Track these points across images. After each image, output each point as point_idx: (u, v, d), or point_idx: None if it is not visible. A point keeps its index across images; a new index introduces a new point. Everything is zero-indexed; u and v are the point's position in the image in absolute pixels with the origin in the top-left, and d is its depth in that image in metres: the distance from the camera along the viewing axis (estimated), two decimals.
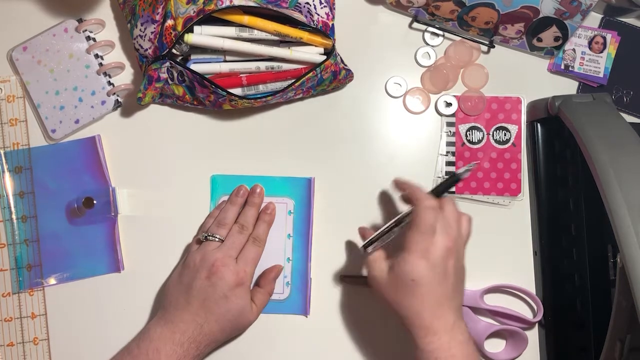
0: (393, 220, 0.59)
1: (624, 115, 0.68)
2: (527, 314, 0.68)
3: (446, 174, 0.69)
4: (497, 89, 0.70)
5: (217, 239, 0.62)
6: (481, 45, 0.70)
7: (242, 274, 0.61)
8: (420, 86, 0.70)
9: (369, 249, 0.60)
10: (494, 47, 0.70)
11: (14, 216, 0.68)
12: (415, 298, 0.54)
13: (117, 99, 0.68)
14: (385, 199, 0.69)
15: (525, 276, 0.68)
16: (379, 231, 0.59)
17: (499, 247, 0.68)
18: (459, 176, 0.59)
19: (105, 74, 0.68)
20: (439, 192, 0.59)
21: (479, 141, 0.69)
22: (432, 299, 0.54)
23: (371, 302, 0.67)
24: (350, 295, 0.68)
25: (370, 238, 0.60)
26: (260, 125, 0.69)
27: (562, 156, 0.67)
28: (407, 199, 0.62)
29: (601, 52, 0.70)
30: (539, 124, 0.67)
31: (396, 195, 0.69)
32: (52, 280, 0.67)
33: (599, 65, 0.70)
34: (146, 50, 0.64)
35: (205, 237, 0.63)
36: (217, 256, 0.61)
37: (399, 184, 0.62)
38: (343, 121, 0.70)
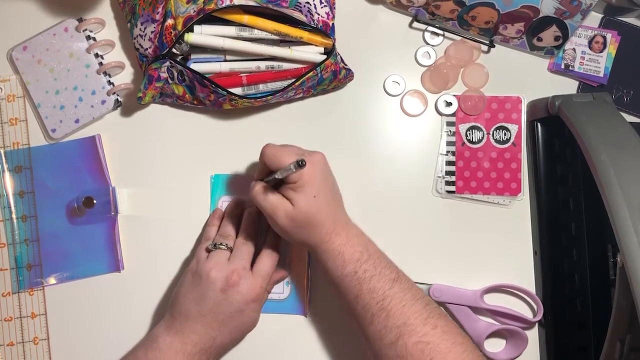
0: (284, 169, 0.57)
1: (624, 115, 0.68)
2: (527, 313, 0.68)
3: (446, 174, 0.69)
4: (497, 88, 0.70)
5: (226, 248, 0.61)
6: (481, 45, 0.70)
7: (258, 290, 0.59)
8: (420, 86, 0.70)
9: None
10: (494, 46, 0.70)
11: (14, 216, 0.68)
12: (320, 213, 0.57)
13: (117, 99, 0.68)
14: (385, 199, 0.69)
15: (525, 276, 0.68)
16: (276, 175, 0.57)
17: (499, 247, 0.68)
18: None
19: (105, 73, 0.68)
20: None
21: (479, 141, 0.69)
22: (331, 208, 0.58)
23: None
24: None
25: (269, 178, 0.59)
26: (260, 124, 0.69)
27: (562, 156, 0.67)
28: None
29: (601, 51, 0.70)
30: (539, 124, 0.67)
31: (395, 195, 0.69)
32: (52, 280, 0.67)
33: (599, 64, 0.70)
34: (146, 49, 0.64)
35: (214, 245, 0.61)
36: (232, 268, 0.59)
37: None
38: (343, 121, 0.70)
